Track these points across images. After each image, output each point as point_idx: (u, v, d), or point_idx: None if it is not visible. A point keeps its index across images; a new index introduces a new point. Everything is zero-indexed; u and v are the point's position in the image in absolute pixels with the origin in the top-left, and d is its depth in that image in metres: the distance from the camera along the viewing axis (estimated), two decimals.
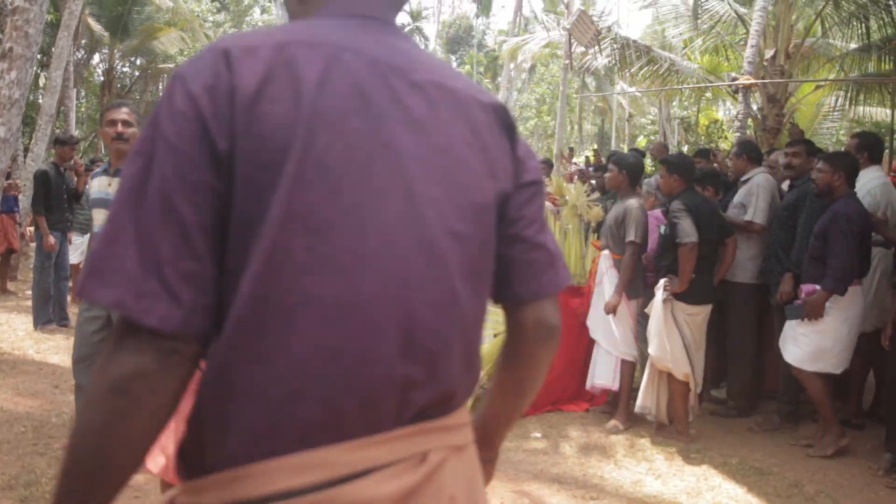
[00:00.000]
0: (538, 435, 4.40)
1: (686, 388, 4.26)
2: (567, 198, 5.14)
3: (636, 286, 4.44)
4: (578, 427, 4.52)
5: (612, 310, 4.32)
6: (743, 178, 4.95)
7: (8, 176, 7.72)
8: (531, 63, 28.35)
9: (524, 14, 28.16)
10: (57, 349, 5.69)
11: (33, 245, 7.81)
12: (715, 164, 6.98)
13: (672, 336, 4.17)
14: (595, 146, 22.13)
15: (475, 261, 0.91)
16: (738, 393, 4.78)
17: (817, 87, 12.14)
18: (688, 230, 4.08)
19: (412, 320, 0.84)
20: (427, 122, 0.88)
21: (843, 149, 5.30)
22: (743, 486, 3.65)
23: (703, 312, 4.30)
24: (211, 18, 23.16)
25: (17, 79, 4.97)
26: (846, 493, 3.57)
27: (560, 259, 1.03)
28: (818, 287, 3.91)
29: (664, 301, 4.18)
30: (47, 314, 6.38)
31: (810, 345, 3.93)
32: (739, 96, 10.08)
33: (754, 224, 4.70)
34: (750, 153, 5.03)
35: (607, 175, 4.78)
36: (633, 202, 4.41)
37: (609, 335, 4.47)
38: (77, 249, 7.14)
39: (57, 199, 6.38)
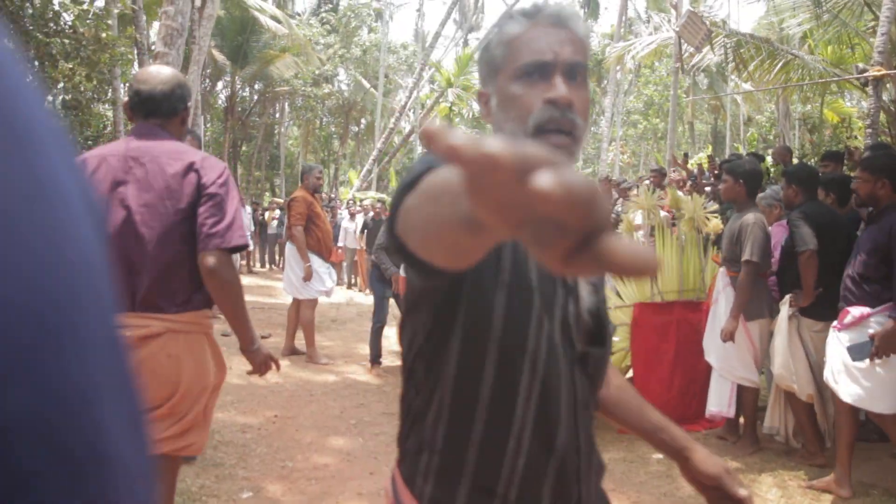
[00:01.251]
0: (659, 456, 4.30)
1: (811, 408, 4.03)
2: (683, 210, 5.00)
3: (757, 307, 4.18)
4: (723, 447, 4.37)
5: (728, 336, 4.09)
6: None
7: None
8: (637, 64, 27.65)
9: (628, 15, 27.51)
10: None
11: None
12: (845, 167, 6.57)
13: (797, 354, 3.96)
14: (710, 151, 21.22)
15: (169, 234, 2.12)
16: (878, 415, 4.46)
17: None
18: (805, 238, 3.87)
19: (130, 257, 2.09)
20: (142, 179, 2.13)
21: None
22: None
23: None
24: (322, 41, 24.21)
25: None
26: None
27: (225, 231, 2.13)
28: (869, 310, 3.45)
29: (789, 317, 3.98)
30: None
31: (885, 378, 3.40)
32: (870, 89, 9.41)
33: None
34: None
35: (722, 185, 4.52)
36: (749, 217, 4.14)
37: (724, 358, 4.28)
38: None
39: None
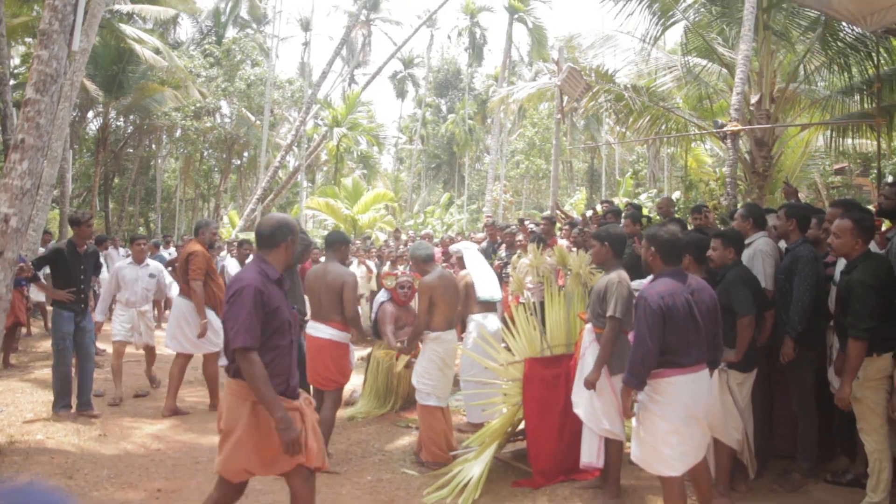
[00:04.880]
0: None
1: (733, 452, 4.34)
2: (570, 266, 5.23)
3: (621, 361, 4.26)
4: (590, 498, 4.53)
5: (590, 386, 4.25)
6: (746, 242, 5.03)
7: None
8: (519, 105, 28.85)
9: (511, 57, 28.70)
10: (66, 432, 5.65)
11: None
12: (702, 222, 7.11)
13: (727, 404, 4.25)
14: (584, 195, 22.40)
15: None
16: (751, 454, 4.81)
17: (803, 129, 12.39)
18: (745, 303, 4.23)
19: None
20: None
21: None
22: None
23: (751, 378, 4.45)
24: (204, 73, 23.49)
25: (30, 169, 5.06)
26: None
27: None
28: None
29: (718, 372, 4.21)
30: (65, 399, 6.08)
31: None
32: (728, 142, 10.30)
33: (767, 291, 4.75)
34: (757, 218, 5.05)
35: (591, 250, 4.78)
36: (615, 276, 4.38)
37: (591, 411, 4.41)
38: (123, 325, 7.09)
39: (70, 278, 6.09)
